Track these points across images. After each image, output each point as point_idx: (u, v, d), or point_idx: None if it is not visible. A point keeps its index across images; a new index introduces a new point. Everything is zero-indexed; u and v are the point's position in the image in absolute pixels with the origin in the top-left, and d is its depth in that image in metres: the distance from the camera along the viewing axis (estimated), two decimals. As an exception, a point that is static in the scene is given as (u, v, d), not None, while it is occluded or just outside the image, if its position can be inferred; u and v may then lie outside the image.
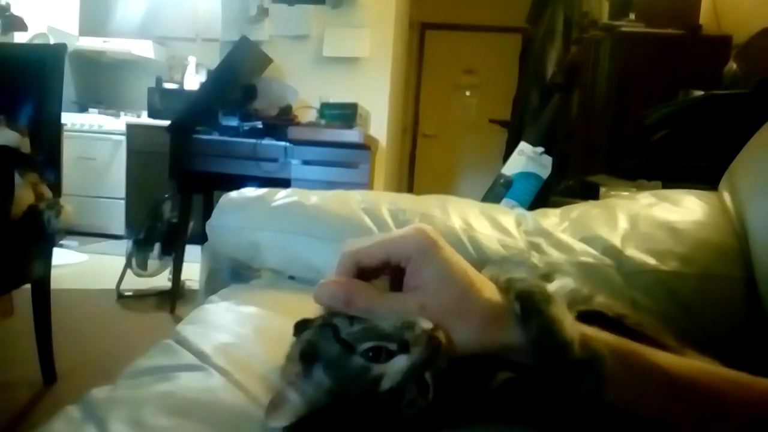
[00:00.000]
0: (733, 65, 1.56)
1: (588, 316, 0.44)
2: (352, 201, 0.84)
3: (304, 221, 0.81)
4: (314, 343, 0.37)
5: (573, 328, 0.37)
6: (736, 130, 0.90)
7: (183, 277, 2.60)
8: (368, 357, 0.35)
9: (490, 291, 0.40)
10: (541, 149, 2.10)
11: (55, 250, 1.64)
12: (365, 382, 0.34)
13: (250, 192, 0.90)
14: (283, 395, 0.35)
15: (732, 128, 1.01)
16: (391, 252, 0.39)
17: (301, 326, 0.43)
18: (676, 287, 0.70)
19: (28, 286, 1.56)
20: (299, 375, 0.36)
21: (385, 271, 0.41)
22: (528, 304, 0.38)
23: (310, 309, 0.44)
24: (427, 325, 0.36)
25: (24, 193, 1.40)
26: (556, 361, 0.36)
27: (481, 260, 0.71)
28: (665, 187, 1.20)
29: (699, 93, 1.34)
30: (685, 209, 0.81)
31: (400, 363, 0.34)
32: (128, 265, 2.66)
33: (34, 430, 0.38)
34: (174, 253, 2.60)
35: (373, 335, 0.36)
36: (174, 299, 2.52)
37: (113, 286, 2.65)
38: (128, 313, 2.50)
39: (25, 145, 1.45)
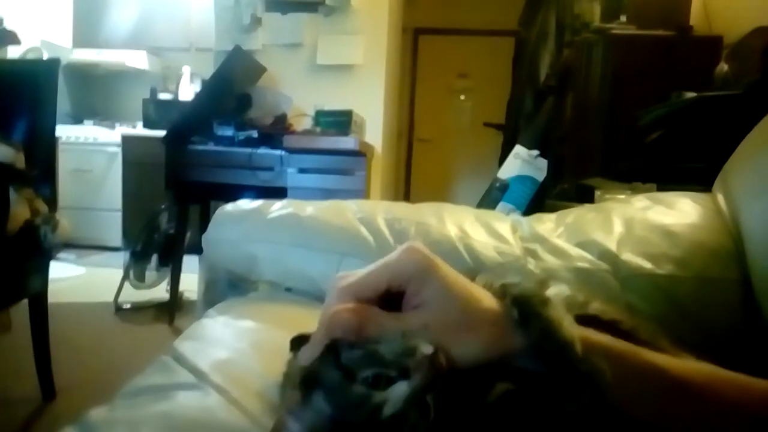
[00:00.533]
0: (724, 66, 1.57)
1: (583, 321, 0.44)
2: (347, 211, 0.84)
3: (300, 233, 0.81)
4: (314, 370, 0.37)
5: (572, 328, 0.37)
6: (729, 131, 0.91)
7: (181, 288, 2.59)
8: (368, 384, 0.35)
9: (488, 300, 0.40)
10: (536, 152, 2.11)
11: (52, 264, 1.63)
12: (367, 409, 0.34)
13: (245, 204, 0.90)
14: (283, 424, 0.35)
15: (725, 129, 1.02)
16: (391, 278, 0.39)
17: (297, 342, 0.43)
18: (672, 291, 0.70)
19: (25, 300, 1.56)
20: (299, 402, 0.36)
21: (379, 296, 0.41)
22: (525, 308, 0.38)
23: (306, 322, 0.44)
24: (427, 350, 0.36)
25: (19, 209, 1.39)
26: (558, 362, 0.36)
27: (476, 268, 0.71)
28: (660, 189, 1.20)
29: (691, 94, 1.35)
30: (679, 212, 0.81)
31: (401, 390, 0.34)
32: (126, 277, 2.65)
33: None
34: (171, 264, 2.60)
35: (373, 362, 0.35)
36: (172, 311, 2.52)
37: (111, 298, 2.65)
38: (127, 326, 2.49)
39: (19, 161, 1.44)
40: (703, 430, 0.38)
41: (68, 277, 3.23)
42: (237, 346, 0.56)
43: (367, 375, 0.35)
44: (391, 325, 0.38)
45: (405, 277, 0.39)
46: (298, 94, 3.32)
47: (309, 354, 0.38)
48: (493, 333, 0.38)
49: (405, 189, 5.79)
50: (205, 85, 3.30)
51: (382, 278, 0.40)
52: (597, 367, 0.36)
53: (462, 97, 5.81)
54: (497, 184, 2.14)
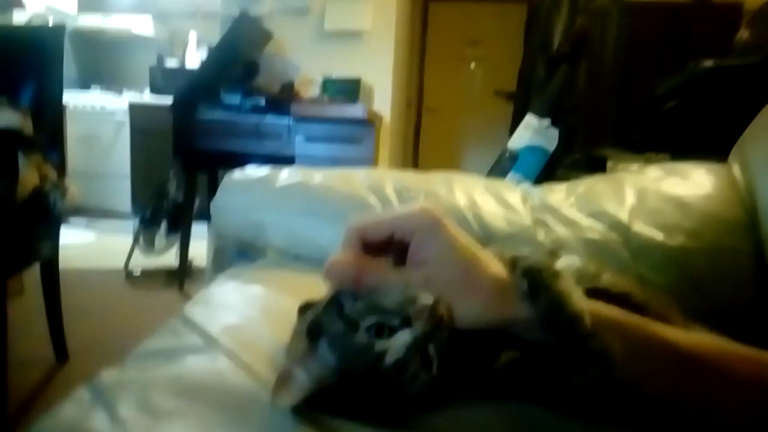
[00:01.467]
0: (744, 33, 1.52)
1: (594, 294, 0.44)
2: (356, 179, 0.83)
3: (308, 201, 0.81)
4: (319, 321, 0.37)
5: (582, 301, 0.37)
6: (747, 101, 0.88)
7: (190, 255, 2.62)
8: (371, 333, 0.35)
9: (495, 267, 0.40)
10: (547, 122, 2.08)
11: (63, 230, 1.65)
12: (369, 358, 0.34)
13: (253, 172, 0.89)
14: (289, 373, 0.35)
15: (743, 99, 0.99)
16: (397, 228, 0.40)
17: (305, 309, 0.43)
18: (683, 262, 0.69)
19: (37, 266, 1.58)
20: (305, 352, 0.36)
21: (388, 248, 0.41)
22: (535, 281, 0.38)
23: (316, 288, 0.44)
24: (428, 299, 0.36)
25: (28, 175, 1.40)
26: (567, 335, 0.36)
27: (486, 238, 0.71)
28: (674, 159, 1.18)
29: (709, 63, 1.31)
30: (693, 183, 0.80)
31: (402, 338, 0.35)
32: (135, 243, 2.68)
33: (48, 408, 0.38)
34: (180, 231, 2.61)
35: (375, 311, 0.36)
36: (182, 277, 2.55)
37: (121, 264, 2.68)
38: (137, 292, 2.53)
39: (27, 127, 1.44)
40: (713, 404, 0.38)
41: (79, 244, 3.26)
42: (246, 312, 0.57)
43: (370, 324, 0.35)
44: (392, 277, 0.38)
45: (410, 229, 0.39)
46: (305, 61, 3.27)
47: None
48: (495, 299, 0.38)
49: (413, 159, 5.75)
50: (212, 51, 3.25)
51: (388, 225, 0.40)
52: (606, 344, 0.35)
53: (472, 66, 5.69)
54: (507, 154, 2.11)
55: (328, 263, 0.39)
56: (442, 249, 0.38)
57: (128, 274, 2.67)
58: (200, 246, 2.67)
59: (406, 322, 0.35)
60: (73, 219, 3.53)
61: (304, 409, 0.35)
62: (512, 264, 0.41)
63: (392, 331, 0.35)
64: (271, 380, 0.37)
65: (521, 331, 0.39)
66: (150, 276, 2.71)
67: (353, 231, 0.41)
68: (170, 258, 2.73)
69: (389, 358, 0.34)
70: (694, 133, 1.25)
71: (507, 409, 0.40)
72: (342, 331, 0.36)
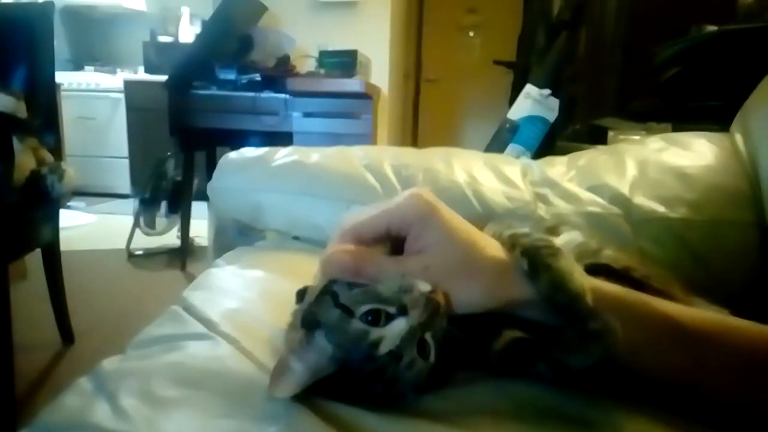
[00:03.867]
0: (748, -4, 1.48)
1: (595, 270, 0.43)
2: (353, 158, 0.83)
3: (305, 181, 0.80)
4: (315, 311, 0.37)
5: (583, 279, 0.37)
6: (751, 67, 0.86)
7: (191, 234, 2.62)
8: (367, 321, 0.35)
9: (494, 248, 0.39)
10: (547, 91, 2.04)
11: (63, 212, 1.64)
12: (365, 345, 0.34)
13: (249, 152, 0.88)
14: (286, 364, 0.35)
15: (746, 65, 0.97)
16: (391, 222, 0.39)
17: (303, 294, 0.42)
18: (685, 235, 0.69)
19: (39, 250, 1.58)
20: (302, 342, 0.36)
21: (383, 240, 0.40)
22: (535, 259, 0.38)
23: (314, 270, 0.44)
24: (425, 287, 0.36)
25: (24, 159, 1.38)
26: (569, 313, 0.36)
27: (486, 215, 0.70)
28: (675, 128, 1.17)
29: (712, 28, 1.28)
30: (695, 153, 0.79)
31: (398, 326, 0.34)
32: (136, 224, 2.68)
33: (58, 390, 0.39)
34: (181, 210, 2.61)
35: (371, 298, 0.35)
36: (184, 257, 2.56)
37: (123, 245, 2.69)
38: (140, 272, 2.54)
39: (21, 110, 1.42)
40: (715, 381, 0.38)
41: (80, 225, 3.27)
42: (246, 296, 0.57)
43: (365, 310, 0.35)
44: (390, 267, 0.38)
45: (406, 221, 0.38)
46: (300, 34, 3.21)
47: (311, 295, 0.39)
48: (495, 281, 0.38)
49: (412, 131, 5.70)
50: (205, 26, 3.19)
51: (382, 221, 0.39)
52: (607, 322, 0.35)
53: (471, 34, 5.59)
54: (507, 125, 2.08)
55: (326, 255, 0.39)
56: (438, 236, 0.38)
57: (130, 254, 2.68)
58: (201, 225, 2.67)
59: (402, 311, 0.35)
60: (72, 201, 3.54)
61: (303, 396, 0.35)
62: (511, 243, 0.40)
63: (389, 317, 0.35)
64: (271, 365, 0.37)
65: (522, 312, 0.39)
66: (152, 256, 2.72)
67: (347, 233, 0.40)
68: (171, 238, 2.74)
69: (384, 347, 0.34)
70: (696, 100, 1.23)
71: (509, 389, 0.40)
72: (338, 319, 0.35)
